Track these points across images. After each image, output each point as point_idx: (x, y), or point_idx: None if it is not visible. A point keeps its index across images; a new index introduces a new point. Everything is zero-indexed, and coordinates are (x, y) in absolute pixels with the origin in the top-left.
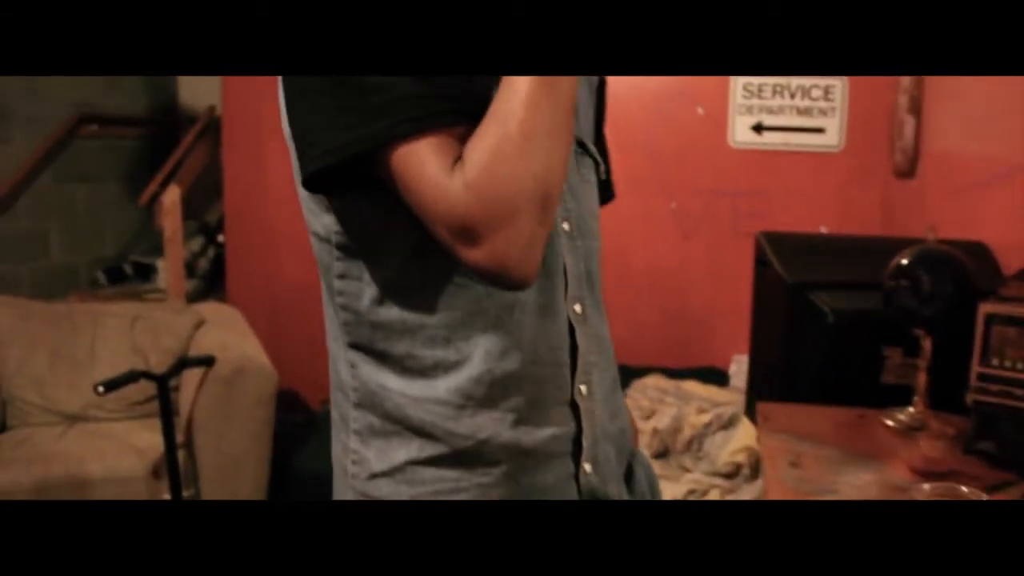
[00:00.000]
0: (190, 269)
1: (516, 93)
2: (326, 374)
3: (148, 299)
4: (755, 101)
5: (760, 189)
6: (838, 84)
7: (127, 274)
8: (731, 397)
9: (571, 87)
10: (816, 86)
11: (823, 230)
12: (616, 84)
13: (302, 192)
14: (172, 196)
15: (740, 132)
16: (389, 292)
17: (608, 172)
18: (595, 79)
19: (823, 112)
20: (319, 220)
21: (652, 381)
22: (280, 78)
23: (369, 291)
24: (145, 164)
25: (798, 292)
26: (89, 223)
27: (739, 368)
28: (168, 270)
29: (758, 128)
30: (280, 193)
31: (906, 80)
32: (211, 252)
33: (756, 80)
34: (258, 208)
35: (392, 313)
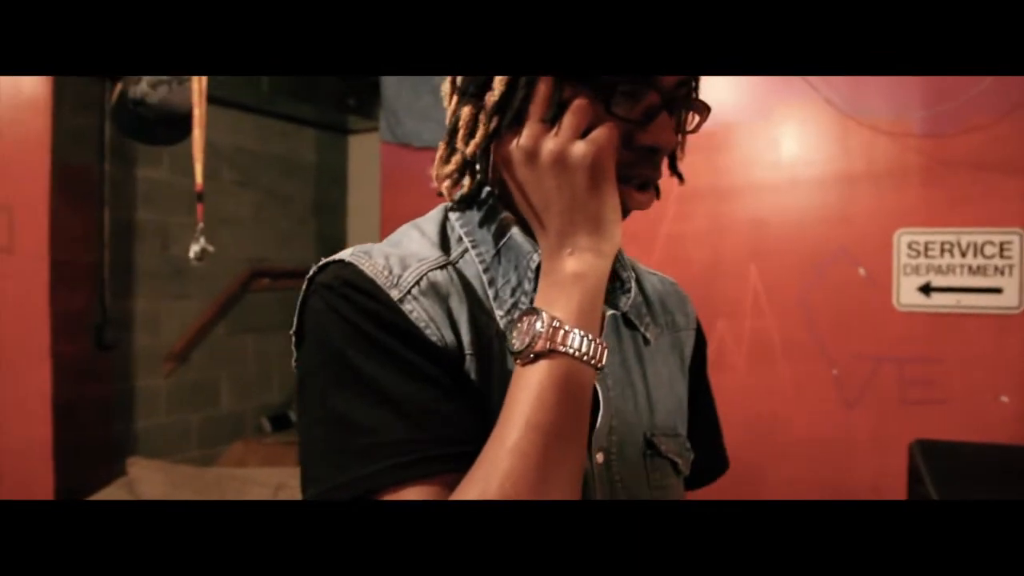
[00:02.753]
0: None
1: (502, 442)
2: None
3: None
4: (922, 260)
5: (930, 355)
6: (1015, 239)
7: (291, 421)
8: None
9: (574, 426)
10: (990, 242)
11: (1004, 399)
12: (771, 243)
13: None
14: None
15: (906, 293)
16: None
17: (718, 444)
18: (687, 348)
19: (999, 270)
20: None
21: None
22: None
23: None
24: None
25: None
26: (257, 372)
27: None
28: None
29: (926, 289)
30: None
31: None
32: None
33: (922, 238)
34: None
35: None
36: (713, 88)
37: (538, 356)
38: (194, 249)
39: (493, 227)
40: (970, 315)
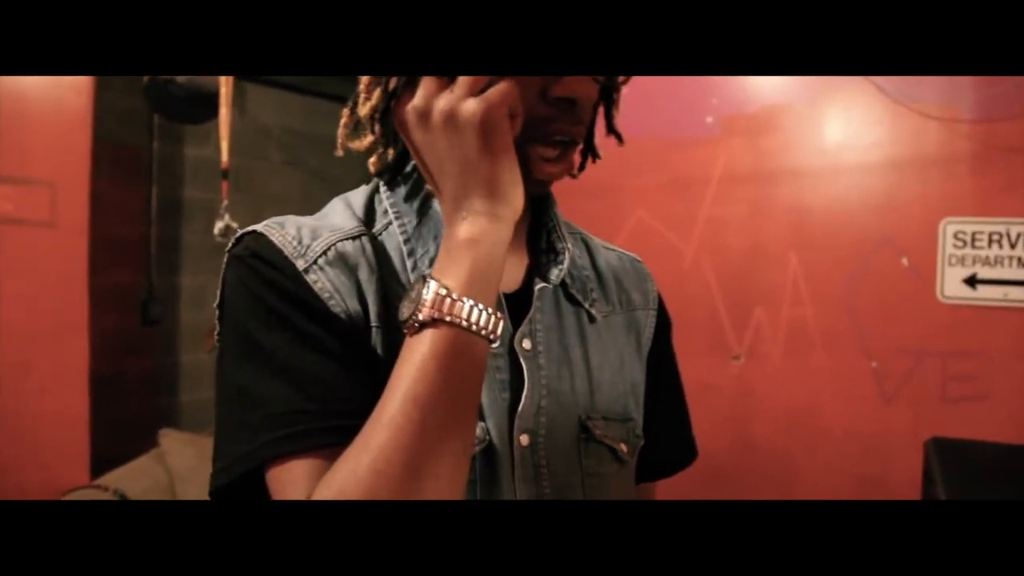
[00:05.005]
0: None
1: (379, 416)
2: None
3: None
4: (968, 251)
5: (975, 350)
6: None
7: None
8: None
9: (458, 401)
10: None
11: None
12: (812, 231)
13: None
14: None
15: (951, 285)
16: None
17: (683, 433)
18: (647, 329)
19: None
20: None
21: None
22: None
23: None
24: None
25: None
26: None
27: None
28: None
29: (972, 281)
30: None
31: None
32: None
33: (969, 228)
34: None
35: None
36: None
37: (423, 325)
38: (218, 226)
39: (417, 198)
40: (1018, 309)
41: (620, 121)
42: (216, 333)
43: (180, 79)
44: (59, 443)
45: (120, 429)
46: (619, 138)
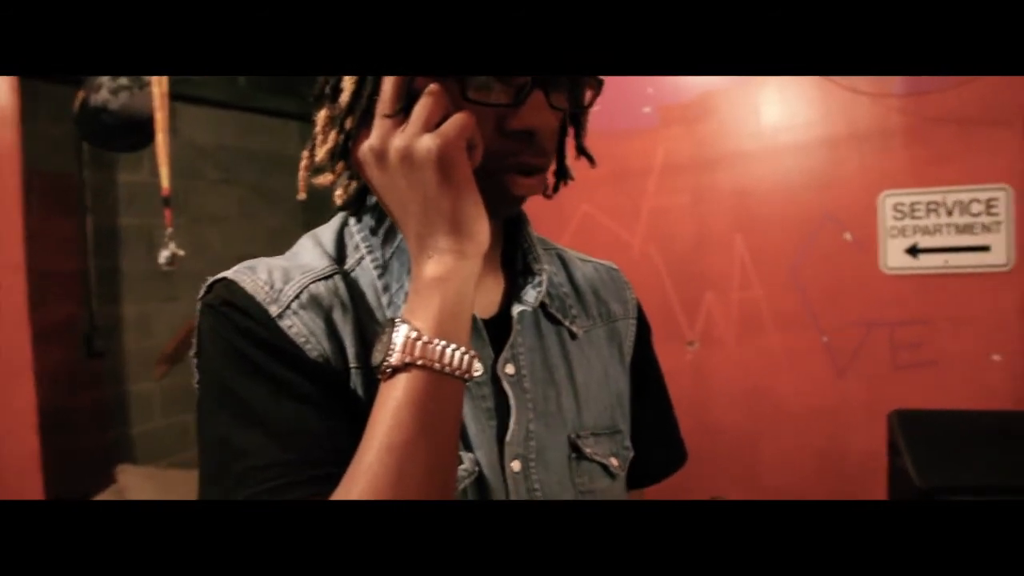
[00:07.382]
0: None
1: (357, 465)
2: None
3: None
4: (908, 222)
5: (921, 317)
6: (1001, 196)
7: None
8: None
9: (434, 445)
10: (976, 200)
11: (996, 358)
12: (755, 213)
13: None
14: None
15: (893, 256)
16: None
17: (673, 436)
18: (628, 339)
19: (987, 228)
20: None
21: None
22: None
23: None
24: None
25: (929, 499)
26: None
27: None
28: None
29: (913, 251)
30: None
31: None
32: None
33: (907, 199)
34: None
35: None
36: None
37: (396, 370)
38: (164, 255)
39: (385, 231)
40: (958, 275)
41: None
42: (195, 382)
43: (112, 107)
44: (11, 487)
45: (73, 466)
46: (591, 160)
